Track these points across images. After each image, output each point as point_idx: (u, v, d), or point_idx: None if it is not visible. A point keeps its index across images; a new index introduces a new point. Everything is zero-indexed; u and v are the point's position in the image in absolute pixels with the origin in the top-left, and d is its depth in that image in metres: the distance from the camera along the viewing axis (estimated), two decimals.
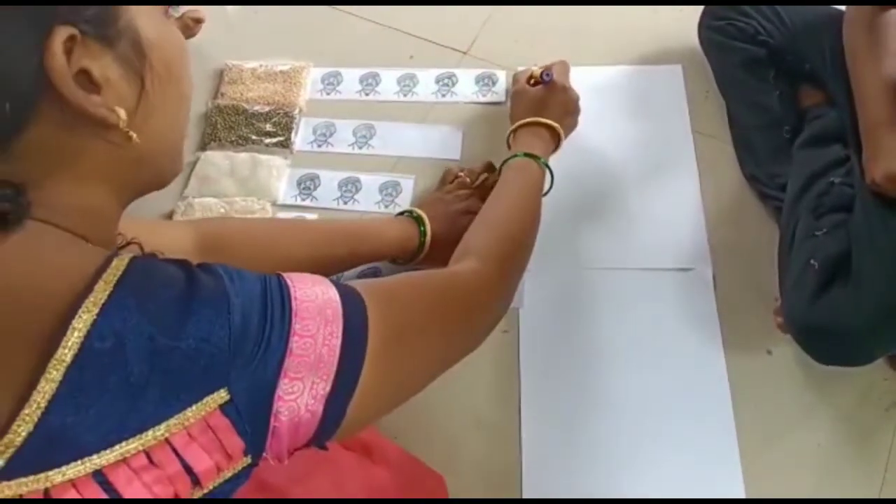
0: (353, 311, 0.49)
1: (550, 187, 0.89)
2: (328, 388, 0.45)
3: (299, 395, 0.44)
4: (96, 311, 0.39)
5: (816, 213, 0.84)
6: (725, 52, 1.02)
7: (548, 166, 0.87)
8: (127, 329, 0.39)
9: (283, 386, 0.43)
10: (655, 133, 1.05)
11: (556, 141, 0.91)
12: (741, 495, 0.79)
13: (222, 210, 1.00)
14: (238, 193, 1.02)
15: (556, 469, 0.82)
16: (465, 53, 1.16)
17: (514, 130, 0.92)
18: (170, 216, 1.00)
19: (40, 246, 0.41)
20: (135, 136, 0.44)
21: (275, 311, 0.44)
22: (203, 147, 1.07)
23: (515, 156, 0.86)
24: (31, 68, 0.39)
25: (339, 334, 0.46)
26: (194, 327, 0.41)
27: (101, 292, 0.39)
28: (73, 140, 0.42)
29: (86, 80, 0.41)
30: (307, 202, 1.02)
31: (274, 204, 1.02)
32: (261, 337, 0.43)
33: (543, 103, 0.92)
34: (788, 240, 0.85)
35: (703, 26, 1.06)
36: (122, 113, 0.43)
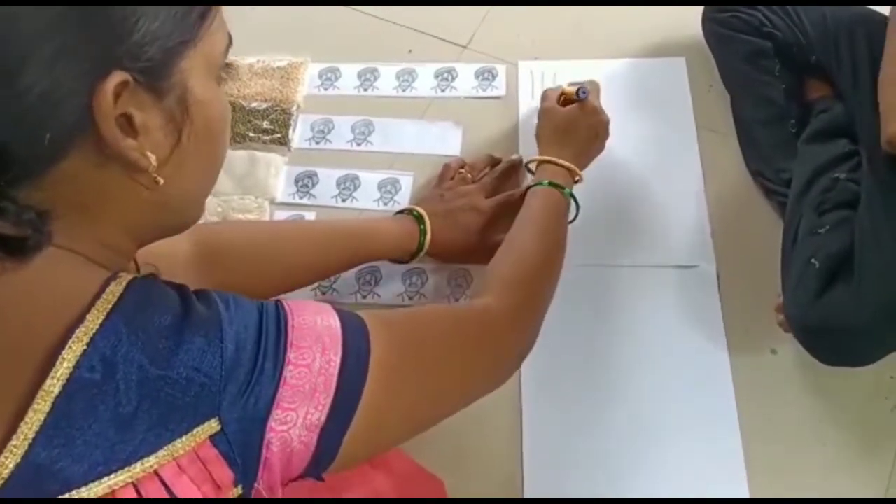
0: (355, 341, 0.48)
1: (576, 217, 0.87)
2: (323, 419, 0.45)
3: (292, 426, 0.44)
4: (86, 340, 0.39)
5: (820, 210, 0.83)
6: (729, 45, 1.00)
7: (573, 196, 0.85)
8: (117, 358, 0.39)
9: (276, 416, 0.43)
10: (658, 127, 1.03)
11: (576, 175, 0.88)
12: (745, 495, 0.79)
13: (219, 209, 0.99)
14: (235, 192, 1.01)
15: (558, 468, 0.81)
16: (464, 48, 1.15)
17: (538, 163, 0.88)
18: None
19: (50, 272, 0.42)
20: (161, 180, 0.45)
21: (269, 339, 0.44)
22: None
23: (540, 184, 0.84)
24: (79, 105, 0.40)
25: (337, 363, 0.46)
26: (185, 356, 0.41)
27: (92, 321, 0.39)
28: (104, 177, 0.43)
29: (126, 123, 0.42)
30: (305, 200, 1.01)
31: (272, 202, 1.01)
32: (254, 366, 0.43)
33: (573, 125, 0.89)
34: (791, 237, 0.84)
35: (706, 18, 1.04)
36: (153, 159, 0.43)
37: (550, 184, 0.83)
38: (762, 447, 0.81)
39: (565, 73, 1.08)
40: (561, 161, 0.86)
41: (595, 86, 0.94)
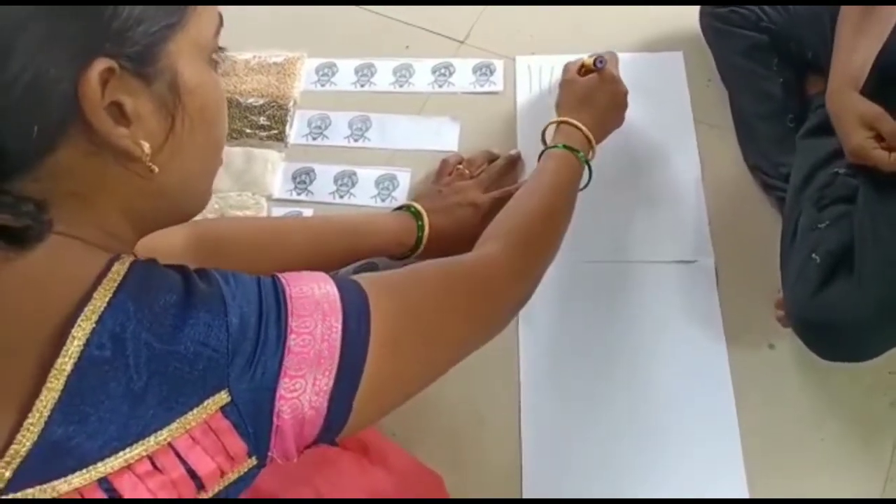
0: (353, 303, 0.48)
1: (588, 182, 0.86)
2: (331, 383, 0.45)
3: (302, 393, 0.44)
4: (95, 318, 0.39)
5: (819, 205, 0.83)
6: (727, 40, 1.00)
7: (587, 162, 0.84)
8: (126, 335, 0.40)
9: (284, 384, 0.44)
10: (656, 122, 1.03)
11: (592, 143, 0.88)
12: (743, 490, 0.78)
13: (216, 206, 0.99)
14: (232, 188, 1.01)
15: (557, 467, 0.81)
16: (462, 43, 1.14)
17: (557, 124, 0.88)
18: None
19: (54, 257, 0.42)
20: (156, 168, 0.44)
21: (270, 311, 0.45)
22: None
23: (555, 146, 0.83)
24: (66, 94, 0.40)
25: (339, 328, 0.46)
26: (192, 331, 0.41)
27: (100, 299, 0.40)
28: (99, 167, 0.43)
29: (117, 112, 0.42)
30: (303, 196, 1.01)
31: (269, 199, 1.01)
32: (258, 337, 0.43)
33: (592, 92, 0.89)
34: (791, 232, 0.84)
35: (704, 13, 1.04)
36: (146, 147, 0.43)
37: (566, 147, 0.82)
38: (760, 442, 0.81)
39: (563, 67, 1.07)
40: (578, 123, 0.85)
41: (613, 56, 0.94)
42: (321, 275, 0.50)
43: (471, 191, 0.91)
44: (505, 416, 0.84)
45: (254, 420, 0.43)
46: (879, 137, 0.77)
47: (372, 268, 0.92)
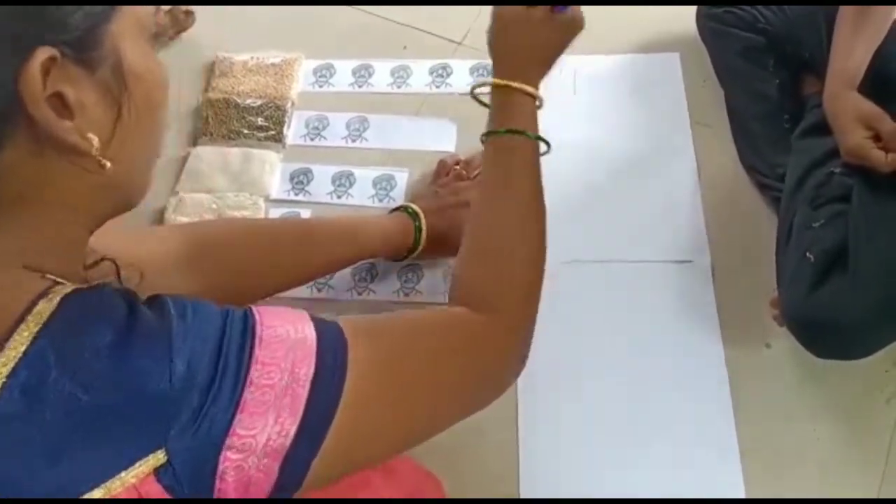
0: (330, 356, 0.44)
1: (548, 149, 0.68)
2: (287, 444, 0.40)
3: (250, 454, 0.39)
4: (6, 372, 0.35)
5: (814, 205, 0.83)
6: (724, 40, 1.01)
7: (539, 137, 0.66)
8: (44, 388, 0.35)
9: (232, 443, 0.39)
10: (652, 122, 1.04)
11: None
12: (740, 489, 0.79)
13: (214, 206, 0.99)
14: (230, 188, 1.01)
15: (554, 468, 0.81)
16: (459, 44, 1.15)
17: (494, 86, 0.66)
18: (161, 212, 0.99)
19: None
20: (108, 164, 0.42)
21: (231, 355, 0.40)
22: (194, 142, 1.06)
23: (497, 132, 0.65)
24: (7, 91, 0.37)
25: (307, 382, 0.41)
26: (127, 379, 0.37)
27: (14, 349, 0.36)
28: (45, 166, 0.40)
29: (59, 104, 0.39)
30: (300, 197, 1.01)
31: (266, 199, 1.01)
32: (210, 386, 0.39)
33: (542, 40, 0.68)
34: (786, 232, 0.84)
35: (701, 14, 1.04)
36: (96, 140, 0.41)
37: (510, 131, 0.64)
38: (757, 441, 0.81)
39: (559, 69, 1.08)
40: (521, 86, 0.64)
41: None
42: (302, 315, 0.45)
43: (469, 191, 0.91)
44: (502, 415, 0.84)
45: (192, 483, 0.38)
46: (877, 137, 0.77)
47: (370, 269, 0.93)
